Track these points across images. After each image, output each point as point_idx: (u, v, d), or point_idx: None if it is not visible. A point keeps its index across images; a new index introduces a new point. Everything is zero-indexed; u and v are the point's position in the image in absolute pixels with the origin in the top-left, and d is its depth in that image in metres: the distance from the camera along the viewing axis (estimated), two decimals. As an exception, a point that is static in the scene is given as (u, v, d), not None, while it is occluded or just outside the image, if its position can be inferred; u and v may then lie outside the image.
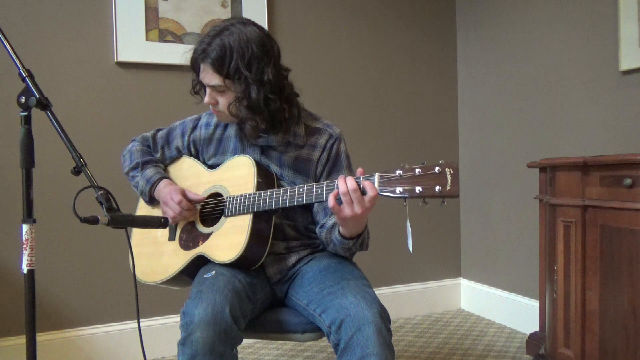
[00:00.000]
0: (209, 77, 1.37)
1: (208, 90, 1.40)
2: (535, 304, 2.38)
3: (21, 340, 2.09)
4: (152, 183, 1.51)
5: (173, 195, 1.44)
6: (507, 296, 2.68)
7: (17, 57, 1.12)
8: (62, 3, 2.22)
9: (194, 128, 1.57)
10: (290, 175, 1.46)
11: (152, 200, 1.55)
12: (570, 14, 2.27)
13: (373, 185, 1.15)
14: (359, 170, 1.20)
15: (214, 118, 1.56)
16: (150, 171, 1.53)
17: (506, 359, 2.23)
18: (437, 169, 1.08)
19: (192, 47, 1.40)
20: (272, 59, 1.37)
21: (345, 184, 1.16)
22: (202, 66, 1.37)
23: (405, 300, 2.89)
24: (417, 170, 1.10)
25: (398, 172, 1.12)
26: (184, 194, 1.46)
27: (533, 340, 2.21)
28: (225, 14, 2.46)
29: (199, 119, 1.59)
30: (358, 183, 1.16)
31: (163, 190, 1.49)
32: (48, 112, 1.10)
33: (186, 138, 1.57)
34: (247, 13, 2.48)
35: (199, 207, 1.49)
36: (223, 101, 1.40)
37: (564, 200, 1.72)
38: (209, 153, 1.55)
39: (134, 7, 2.29)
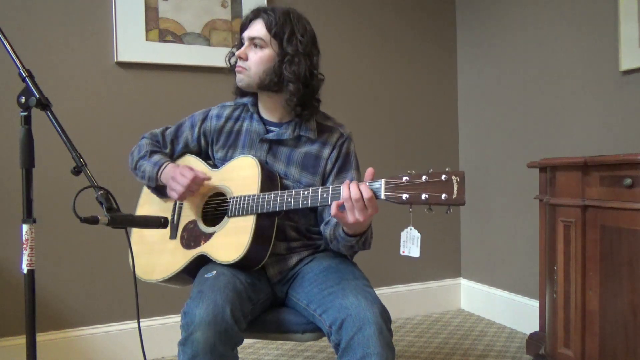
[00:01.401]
0: (255, 28, 1.43)
1: (246, 44, 1.44)
2: (535, 304, 2.38)
3: (21, 340, 2.09)
4: (159, 165, 1.49)
5: (184, 171, 1.41)
6: (507, 296, 2.68)
7: (17, 57, 1.12)
8: (62, 3, 2.22)
9: (204, 119, 1.57)
10: (296, 174, 1.46)
11: (157, 188, 1.52)
12: (570, 14, 2.27)
13: (368, 187, 1.16)
14: (370, 170, 1.19)
15: (226, 110, 1.55)
16: (157, 156, 1.52)
17: (506, 359, 2.23)
18: (443, 176, 1.08)
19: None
20: (318, 52, 1.49)
21: (348, 190, 1.16)
22: (253, 22, 1.44)
23: (405, 300, 2.89)
24: (423, 177, 1.10)
25: (404, 178, 1.12)
26: (191, 168, 1.43)
27: (533, 340, 2.21)
28: (225, 14, 2.46)
29: (208, 110, 1.58)
30: (360, 190, 1.17)
31: (170, 171, 1.46)
32: (48, 112, 1.10)
33: (196, 130, 1.56)
34: (246, 13, 2.47)
35: (201, 205, 1.49)
36: (255, 58, 1.43)
37: (564, 200, 1.72)
38: (218, 144, 1.54)
39: (134, 7, 2.29)
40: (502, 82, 2.68)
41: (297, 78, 1.41)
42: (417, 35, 2.92)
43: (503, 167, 2.69)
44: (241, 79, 1.46)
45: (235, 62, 1.48)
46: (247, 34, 1.45)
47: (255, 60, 1.43)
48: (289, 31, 1.41)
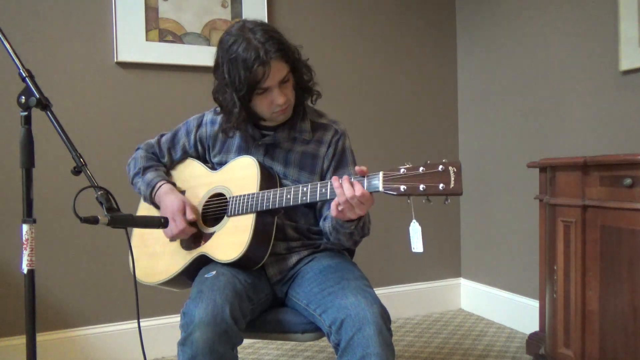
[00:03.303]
0: (280, 70, 1.32)
1: (276, 89, 1.34)
2: (535, 304, 2.38)
3: (21, 340, 2.09)
4: (152, 186, 1.51)
5: (175, 216, 1.41)
6: (507, 296, 2.68)
7: (17, 57, 1.12)
8: (62, 3, 2.22)
9: (199, 125, 1.57)
10: (295, 174, 1.46)
11: (155, 204, 1.55)
12: (570, 13, 2.27)
13: (360, 185, 1.16)
14: (358, 168, 1.19)
15: (219, 115, 1.54)
16: (150, 175, 1.53)
17: (506, 359, 2.23)
18: (440, 167, 1.09)
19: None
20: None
21: (343, 193, 1.16)
22: (267, 71, 1.29)
23: (405, 300, 2.89)
24: (420, 169, 1.11)
25: (402, 170, 1.13)
26: (184, 212, 1.43)
27: (533, 340, 2.21)
28: (225, 14, 2.46)
29: (202, 116, 1.58)
30: (352, 186, 1.17)
31: (164, 198, 1.47)
32: (48, 112, 1.10)
33: (192, 136, 1.57)
34: (247, 13, 2.48)
35: (201, 207, 1.49)
36: (289, 92, 1.39)
37: (564, 200, 1.72)
38: (214, 150, 1.55)
39: (134, 7, 2.29)
40: (502, 82, 2.68)
41: (311, 77, 1.45)
42: (417, 35, 2.92)
43: (503, 167, 2.69)
44: (286, 116, 1.44)
45: (240, 122, 1.40)
46: (274, 80, 1.32)
47: (291, 93, 1.40)
48: (293, 49, 1.38)
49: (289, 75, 1.37)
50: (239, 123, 1.40)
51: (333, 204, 1.19)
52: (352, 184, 1.17)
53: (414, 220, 1.21)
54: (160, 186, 1.50)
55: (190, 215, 1.43)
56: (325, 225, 1.42)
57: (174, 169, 1.61)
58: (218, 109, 1.55)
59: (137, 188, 1.56)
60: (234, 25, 1.38)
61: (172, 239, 1.45)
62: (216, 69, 1.40)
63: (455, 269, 3.05)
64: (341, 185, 1.17)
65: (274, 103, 1.35)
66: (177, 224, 1.41)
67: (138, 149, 1.63)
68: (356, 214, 1.18)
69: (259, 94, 1.34)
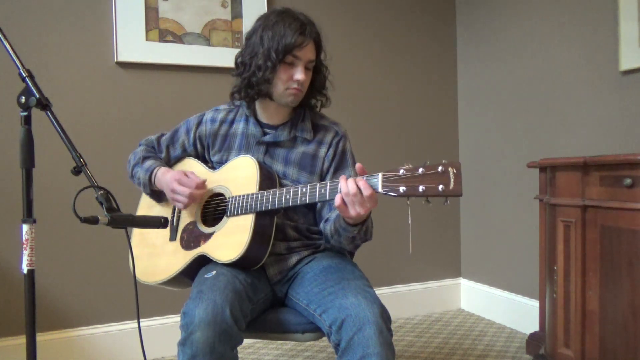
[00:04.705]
0: (311, 52, 1.42)
1: (301, 65, 1.40)
2: (535, 304, 2.38)
3: (21, 340, 2.09)
4: (151, 171, 1.51)
5: (183, 181, 1.43)
6: (507, 296, 2.68)
7: (17, 57, 1.12)
8: (62, 3, 2.22)
9: (199, 124, 1.57)
10: (294, 174, 1.47)
11: (154, 193, 1.54)
12: (570, 14, 2.27)
13: (367, 185, 1.16)
14: (358, 165, 1.20)
15: (220, 114, 1.56)
16: (149, 162, 1.54)
17: (506, 359, 2.23)
18: (440, 168, 1.08)
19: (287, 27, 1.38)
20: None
21: (346, 186, 1.16)
22: (306, 42, 1.39)
23: (405, 300, 2.89)
24: (420, 170, 1.10)
25: (401, 171, 1.12)
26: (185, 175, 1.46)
27: (533, 340, 2.21)
28: (225, 14, 2.46)
29: (202, 115, 1.59)
30: (357, 185, 1.17)
31: (162, 178, 1.48)
32: (48, 112, 1.10)
33: (192, 134, 1.57)
34: (247, 13, 2.48)
35: (200, 206, 1.49)
36: (308, 78, 1.46)
37: (564, 200, 1.72)
38: (214, 148, 1.55)
39: (134, 7, 2.29)
40: (502, 82, 2.68)
41: (324, 83, 1.52)
42: (417, 35, 2.92)
43: (503, 167, 2.69)
44: (294, 100, 1.45)
45: (269, 76, 1.40)
46: (304, 57, 1.40)
47: (308, 80, 1.46)
48: (322, 45, 1.47)
49: (312, 66, 1.44)
50: (263, 81, 1.40)
51: (338, 196, 1.19)
52: (356, 182, 1.16)
53: (410, 222, 1.21)
54: (159, 169, 1.52)
55: (198, 179, 1.45)
56: (327, 228, 1.42)
57: (174, 167, 1.61)
58: (221, 106, 1.58)
59: (136, 178, 1.56)
60: (277, 7, 1.48)
61: (187, 205, 1.44)
62: (251, 35, 1.44)
63: (455, 269, 3.05)
64: (346, 182, 1.17)
65: (292, 78, 1.40)
66: (186, 184, 1.42)
67: (140, 144, 1.64)
68: (356, 211, 1.18)
69: (287, 62, 1.39)
